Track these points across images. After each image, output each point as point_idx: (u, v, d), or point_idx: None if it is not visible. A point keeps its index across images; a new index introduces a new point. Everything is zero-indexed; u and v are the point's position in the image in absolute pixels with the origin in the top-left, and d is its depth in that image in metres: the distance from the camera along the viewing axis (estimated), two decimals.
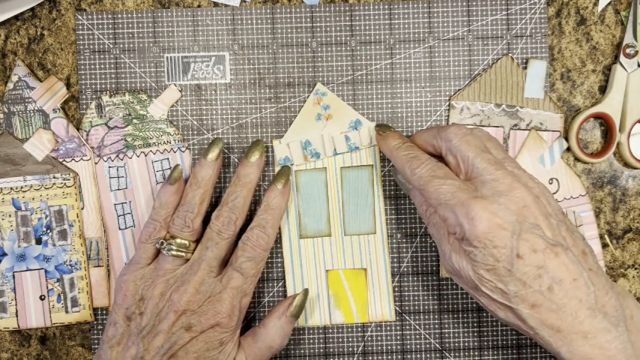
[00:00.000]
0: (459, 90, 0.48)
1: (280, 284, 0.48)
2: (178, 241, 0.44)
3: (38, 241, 0.47)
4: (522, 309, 0.38)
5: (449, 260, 0.41)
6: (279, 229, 0.48)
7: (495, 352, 0.49)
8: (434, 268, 0.49)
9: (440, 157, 0.43)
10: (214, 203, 0.48)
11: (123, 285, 0.44)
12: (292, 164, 0.48)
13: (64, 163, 0.47)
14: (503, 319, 0.39)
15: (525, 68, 0.48)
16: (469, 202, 0.38)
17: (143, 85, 0.48)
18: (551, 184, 0.48)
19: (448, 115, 0.48)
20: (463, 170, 0.41)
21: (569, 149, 0.48)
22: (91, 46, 0.48)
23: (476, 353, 0.49)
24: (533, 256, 0.37)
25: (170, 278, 0.43)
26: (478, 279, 0.39)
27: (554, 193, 0.48)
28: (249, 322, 0.48)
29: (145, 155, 0.48)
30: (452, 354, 0.48)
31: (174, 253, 0.43)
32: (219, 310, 0.42)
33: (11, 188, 0.47)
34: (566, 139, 0.48)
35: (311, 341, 0.49)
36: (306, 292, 0.46)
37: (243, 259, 0.43)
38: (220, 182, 0.48)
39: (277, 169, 0.48)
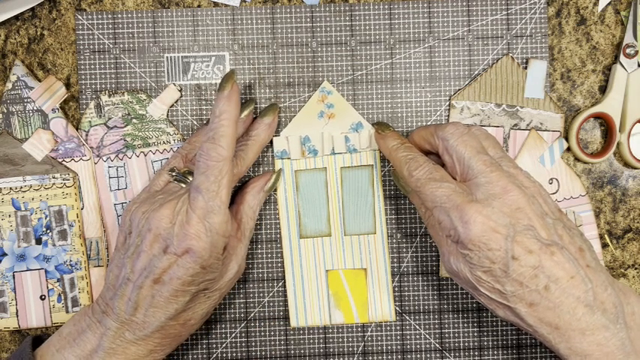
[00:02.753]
0: (459, 90, 0.48)
1: (280, 284, 0.48)
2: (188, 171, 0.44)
3: (38, 241, 0.47)
4: (520, 308, 0.38)
5: (447, 262, 0.41)
6: (279, 229, 0.48)
7: (495, 352, 0.49)
8: (434, 268, 0.49)
9: (437, 155, 0.44)
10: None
11: (126, 208, 0.44)
12: (289, 158, 0.48)
13: (63, 163, 0.47)
14: (502, 317, 0.40)
15: (525, 68, 0.48)
16: (463, 206, 0.38)
17: (143, 85, 0.48)
18: (551, 184, 0.48)
19: (448, 115, 0.48)
20: (459, 171, 0.41)
21: (569, 149, 0.48)
22: (91, 46, 0.48)
23: (476, 353, 0.49)
24: (529, 256, 0.37)
25: (162, 197, 0.43)
26: (476, 280, 0.39)
27: (553, 194, 0.48)
28: (250, 322, 0.48)
29: (145, 155, 0.48)
30: (452, 354, 0.49)
31: (179, 178, 0.44)
32: (187, 232, 0.40)
33: (11, 188, 0.47)
34: (566, 139, 0.48)
35: (311, 341, 0.49)
36: (279, 172, 0.47)
37: (196, 175, 0.41)
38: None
39: (277, 163, 0.48)
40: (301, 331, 0.49)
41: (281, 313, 0.49)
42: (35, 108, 0.47)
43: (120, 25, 0.47)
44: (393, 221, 0.48)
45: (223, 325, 0.48)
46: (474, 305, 0.49)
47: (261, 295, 0.49)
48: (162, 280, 0.40)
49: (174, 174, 0.44)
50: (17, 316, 0.48)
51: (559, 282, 0.37)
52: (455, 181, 0.41)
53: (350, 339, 0.49)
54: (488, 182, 0.39)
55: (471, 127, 0.42)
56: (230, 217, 0.42)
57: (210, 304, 0.43)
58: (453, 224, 0.39)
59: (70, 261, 0.47)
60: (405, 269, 0.49)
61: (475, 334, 0.49)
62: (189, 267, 0.40)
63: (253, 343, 0.49)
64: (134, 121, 0.48)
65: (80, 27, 0.47)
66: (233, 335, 0.48)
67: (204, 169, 0.40)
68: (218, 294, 0.43)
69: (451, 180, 0.41)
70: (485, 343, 0.49)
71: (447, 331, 0.49)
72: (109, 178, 0.48)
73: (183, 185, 0.44)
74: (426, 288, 0.49)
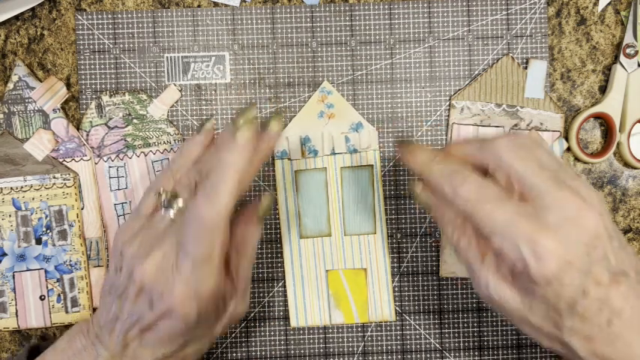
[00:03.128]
0: (459, 90, 0.48)
1: (280, 284, 0.48)
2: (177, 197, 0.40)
3: (38, 241, 0.47)
4: (574, 342, 0.35)
5: (485, 288, 0.36)
6: (279, 229, 0.48)
7: (495, 352, 0.49)
8: (434, 268, 0.49)
9: (480, 170, 0.38)
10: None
11: (116, 235, 0.40)
12: (289, 158, 0.48)
13: (64, 163, 0.47)
14: (547, 347, 0.36)
15: (525, 68, 0.48)
16: (536, 237, 0.33)
17: (143, 85, 0.48)
18: None
19: (448, 115, 0.48)
20: (517, 190, 0.35)
21: (569, 149, 0.48)
22: (91, 46, 0.48)
23: (476, 353, 0.49)
24: (597, 289, 0.34)
25: (150, 238, 0.39)
26: (529, 311, 0.35)
27: None
28: (250, 322, 0.48)
29: (145, 155, 0.48)
30: (452, 354, 0.48)
31: (166, 205, 0.39)
32: (172, 294, 0.37)
33: (11, 188, 0.47)
34: (567, 139, 0.48)
35: (311, 341, 0.49)
36: (271, 195, 0.42)
37: (185, 234, 0.37)
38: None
39: (277, 164, 0.48)
40: (301, 331, 0.49)
41: (281, 313, 0.49)
42: (36, 108, 0.47)
43: (120, 25, 0.48)
44: (393, 221, 0.48)
45: None
46: (474, 305, 0.49)
47: (261, 295, 0.49)
48: (150, 329, 0.38)
49: (162, 199, 0.40)
50: (17, 316, 0.48)
51: (622, 315, 0.34)
52: (513, 199, 0.35)
53: (350, 339, 0.49)
54: (558, 205, 0.34)
55: (519, 135, 0.37)
56: (224, 276, 0.39)
57: (203, 347, 0.41)
58: (522, 256, 0.33)
59: (70, 261, 0.48)
60: (405, 269, 0.49)
61: (475, 334, 0.49)
62: (175, 326, 0.38)
63: (253, 343, 0.49)
64: (135, 121, 0.48)
65: (80, 27, 0.48)
66: (233, 335, 0.49)
67: (196, 231, 0.36)
68: (211, 338, 0.41)
69: (507, 198, 0.35)
70: (486, 343, 0.49)
71: (447, 331, 0.49)
72: (110, 178, 0.48)
73: (171, 213, 0.39)
74: (426, 288, 0.49)
